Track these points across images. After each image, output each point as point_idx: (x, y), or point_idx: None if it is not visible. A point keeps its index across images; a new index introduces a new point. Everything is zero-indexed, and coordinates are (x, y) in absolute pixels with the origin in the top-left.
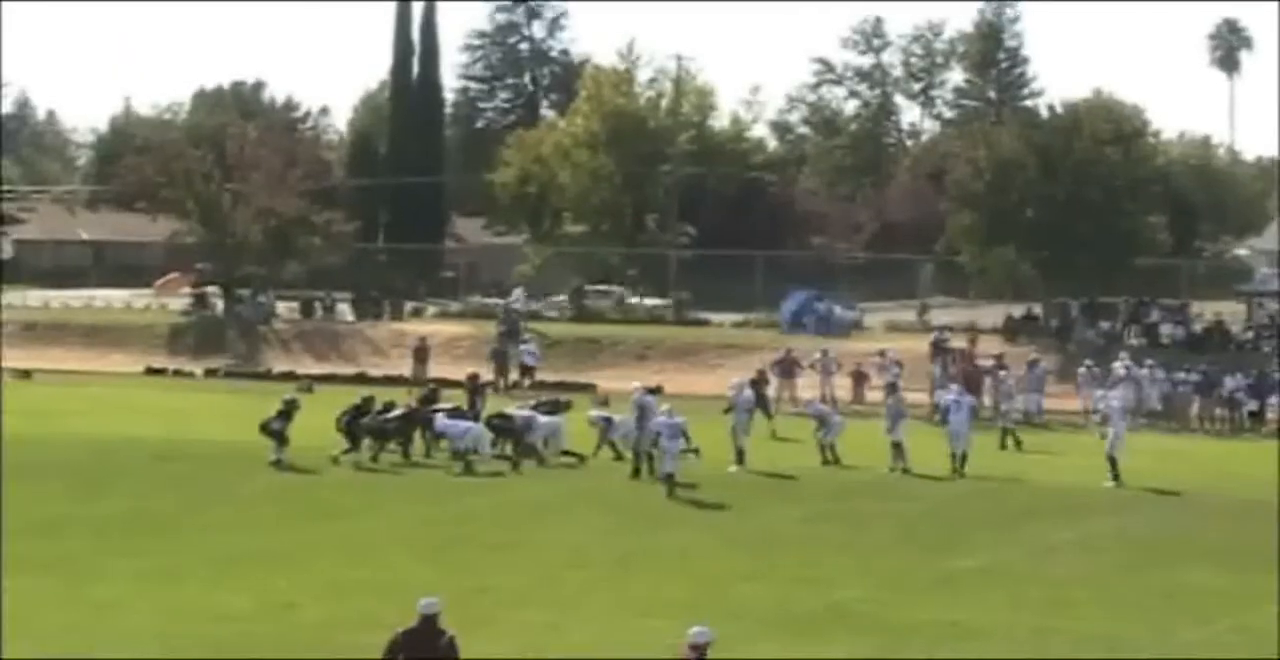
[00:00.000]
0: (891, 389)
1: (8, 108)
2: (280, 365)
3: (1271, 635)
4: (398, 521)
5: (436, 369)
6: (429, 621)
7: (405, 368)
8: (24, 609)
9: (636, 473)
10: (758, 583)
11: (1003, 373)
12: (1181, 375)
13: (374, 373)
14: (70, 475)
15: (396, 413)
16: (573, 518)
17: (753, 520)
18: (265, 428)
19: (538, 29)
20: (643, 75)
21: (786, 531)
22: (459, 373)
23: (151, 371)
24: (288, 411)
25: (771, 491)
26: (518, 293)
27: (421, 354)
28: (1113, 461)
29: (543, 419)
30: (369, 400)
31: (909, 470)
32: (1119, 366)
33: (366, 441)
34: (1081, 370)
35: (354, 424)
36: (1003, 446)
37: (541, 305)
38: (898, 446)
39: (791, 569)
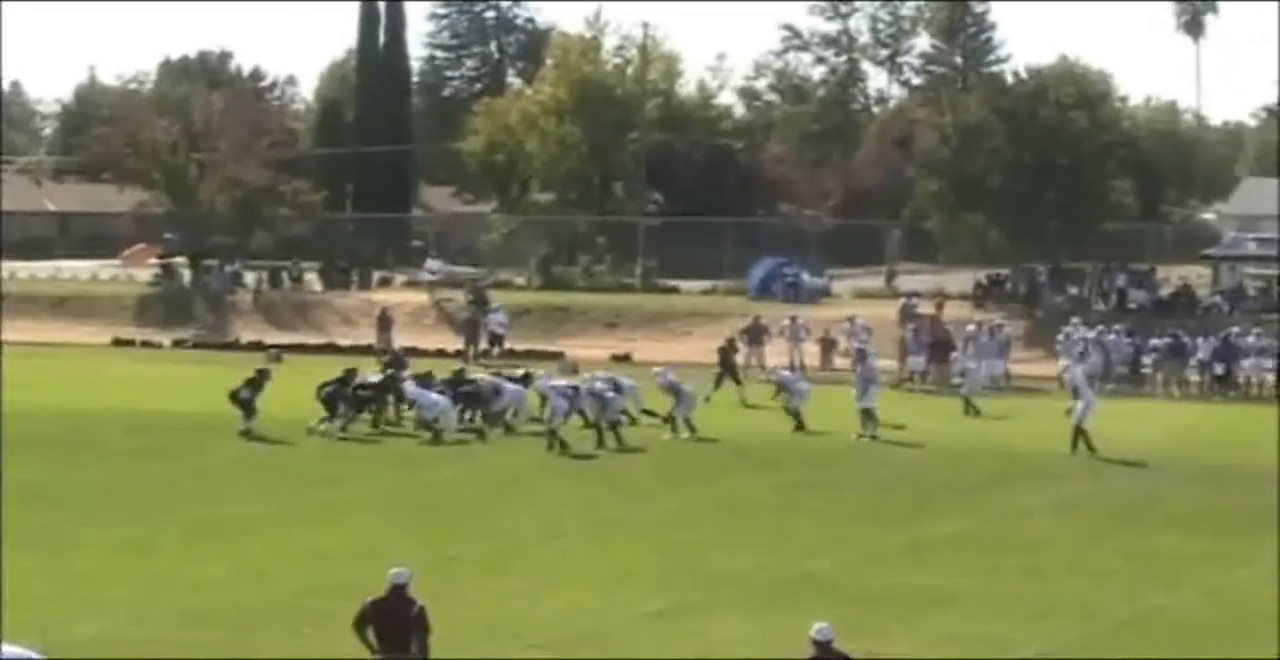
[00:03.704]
0: (861, 356)
1: None
2: (248, 335)
3: (1242, 599)
4: (371, 490)
5: (405, 338)
6: (399, 591)
7: (373, 337)
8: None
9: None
10: (731, 552)
11: (983, 339)
12: (1152, 341)
13: (342, 342)
14: (42, 447)
15: (371, 380)
16: (546, 487)
17: (725, 489)
18: (234, 397)
19: None
20: (609, 43)
21: (759, 500)
22: (427, 342)
23: (119, 342)
24: (258, 380)
25: (743, 460)
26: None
27: (385, 323)
28: (1082, 432)
29: (510, 386)
30: (351, 372)
31: (877, 437)
32: (1070, 330)
33: (341, 410)
34: (1060, 336)
35: (335, 395)
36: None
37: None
38: (868, 413)
39: (765, 537)
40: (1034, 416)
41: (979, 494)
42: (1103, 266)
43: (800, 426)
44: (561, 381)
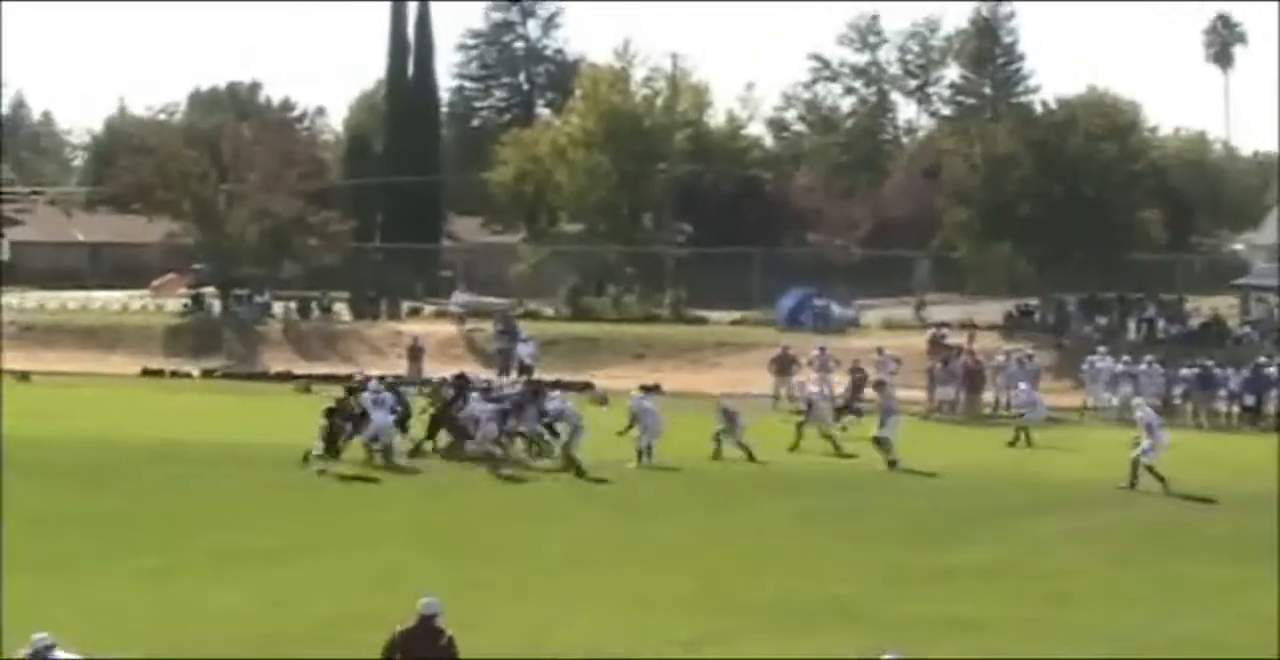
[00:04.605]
0: (879, 386)
1: (3, 109)
2: (277, 365)
3: (1274, 625)
4: (395, 517)
5: (434, 368)
6: (428, 621)
7: (402, 368)
8: (24, 610)
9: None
10: (756, 577)
11: (1013, 369)
12: (1181, 371)
13: (371, 373)
14: (69, 476)
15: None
16: (571, 513)
17: (751, 514)
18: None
19: (532, 28)
20: (638, 73)
21: (784, 526)
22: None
23: (148, 372)
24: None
25: (769, 486)
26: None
27: (416, 353)
28: (1148, 468)
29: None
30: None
31: (895, 464)
32: (1095, 360)
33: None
34: (1084, 366)
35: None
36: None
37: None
38: (879, 442)
39: (790, 563)
40: (1062, 446)
41: (1006, 521)
42: (1132, 297)
43: (751, 457)
44: (490, 406)
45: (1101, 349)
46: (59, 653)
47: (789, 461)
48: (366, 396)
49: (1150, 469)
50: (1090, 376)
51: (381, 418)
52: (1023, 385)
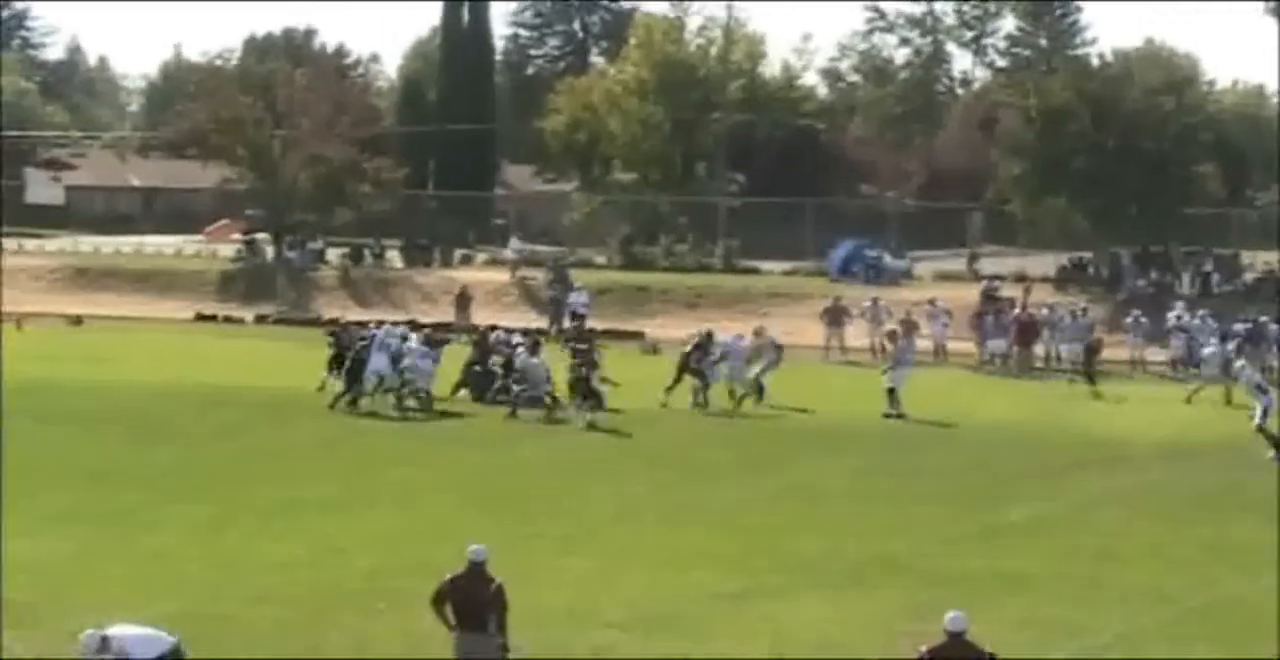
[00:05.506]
0: (892, 335)
1: (59, 54)
2: (330, 312)
3: None
4: (447, 470)
5: (486, 316)
6: (477, 568)
7: (453, 315)
8: (79, 560)
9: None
10: (805, 535)
11: (1066, 321)
12: (1234, 326)
13: (423, 320)
14: (123, 422)
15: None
16: (620, 470)
17: (800, 472)
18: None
19: None
20: (693, 23)
21: (834, 484)
22: (508, 320)
23: (202, 318)
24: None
25: (817, 443)
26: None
27: (464, 301)
28: (1262, 431)
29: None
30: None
31: (904, 416)
32: (1173, 317)
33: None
34: (1129, 320)
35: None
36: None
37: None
38: (891, 392)
39: (839, 521)
40: (1113, 401)
41: (1055, 479)
42: (1188, 251)
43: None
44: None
45: (1179, 305)
46: (112, 630)
47: (838, 418)
48: (379, 334)
49: (1263, 431)
50: (1134, 330)
51: (379, 362)
52: (1213, 341)
